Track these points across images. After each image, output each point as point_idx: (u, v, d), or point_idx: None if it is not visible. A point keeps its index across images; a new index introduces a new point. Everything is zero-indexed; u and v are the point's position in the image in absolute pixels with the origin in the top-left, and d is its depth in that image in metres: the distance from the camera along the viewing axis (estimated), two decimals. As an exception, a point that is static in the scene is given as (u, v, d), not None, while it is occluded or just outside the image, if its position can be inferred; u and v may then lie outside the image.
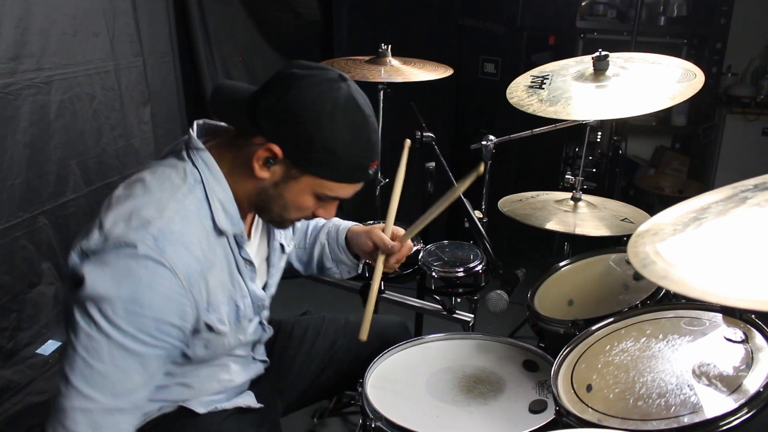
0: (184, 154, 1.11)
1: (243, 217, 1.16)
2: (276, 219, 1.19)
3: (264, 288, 1.30)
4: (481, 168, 1.28)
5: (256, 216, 1.27)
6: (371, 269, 1.77)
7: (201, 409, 1.24)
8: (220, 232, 1.10)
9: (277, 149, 1.05)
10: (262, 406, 1.34)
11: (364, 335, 1.24)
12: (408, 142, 1.41)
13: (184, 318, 1.05)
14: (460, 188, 1.29)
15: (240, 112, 1.08)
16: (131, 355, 1.01)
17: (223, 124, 1.19)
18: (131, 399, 1.04)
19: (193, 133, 1.13)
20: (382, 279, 1.35)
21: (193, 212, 1.07)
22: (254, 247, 1.27)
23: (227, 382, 1.29)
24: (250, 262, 1.19)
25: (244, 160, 1.09)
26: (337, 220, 1.50)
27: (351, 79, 1.10)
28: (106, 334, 0.98)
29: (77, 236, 1.07)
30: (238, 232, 1.14)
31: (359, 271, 1.52)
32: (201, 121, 1.18)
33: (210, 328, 1.12)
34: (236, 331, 1.20)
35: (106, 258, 1.00)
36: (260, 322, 1.30)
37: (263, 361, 1.40)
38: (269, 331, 1.36)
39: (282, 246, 1.35)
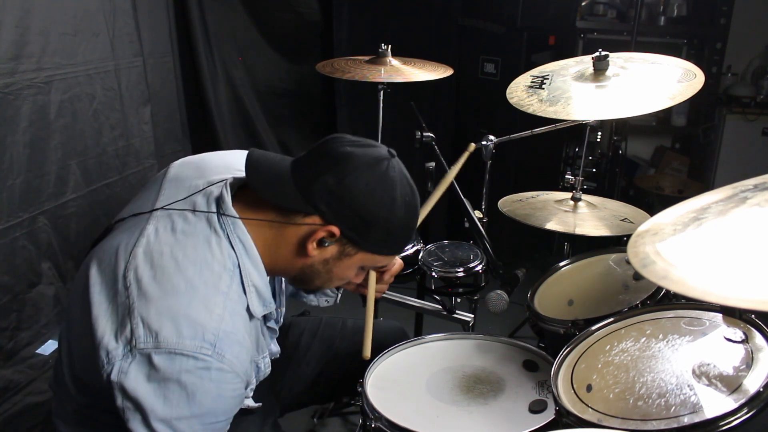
0: (216, 223, 1.05)
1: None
2: (313, 289, 1.20)
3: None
4: (472, 146, 1.29)
5: None
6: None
7: None
8: (251, 315, 1.07)
9: (336, 230, 1.04)
10: (260, 405, 1.34)
11: (367, 353, 1.25)
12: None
13: (241, 402, 1.08)
14: (453, 172, 1.30)
15: (285, 189, 1.04)
16: None
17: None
18: None
19: (227, 195, 1.07)
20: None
21: (237, 302, 1.03)
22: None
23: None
24: (273, 330, 1.20)
25: (293, 239, 1.07)
26: None
27: (395, 153, 1.09)
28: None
29: (103, 316, 0.99)
30: (268, 312, 1.12)
31: (337, 302, 1.48)
32: (231, 178, 1.12)
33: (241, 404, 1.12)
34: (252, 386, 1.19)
35: (164, 373, 0.94)
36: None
37: None
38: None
39: (284, 289, 1.34)
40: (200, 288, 0.99)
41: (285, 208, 1.06)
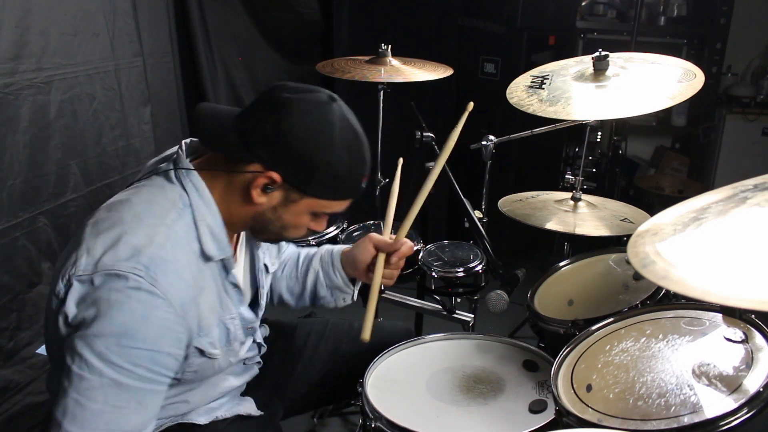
0: (173, 175, 1.09)
1: (230, 238, 1.15)
2: (273, 239, 1.19)
3: (254, 309, 1.29)
4: (470, 105, 1.30)
5: (242, 237, 1.26)
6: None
7: (202, 420, 1.23)
8: (207, 257, 1.09)
9: (277, 176, 1.05)
10: (262, 413, 1.34)
11: (366, 335, 1.24)
12: (401, 160, 1.45)
13: (179, 346, 1.04)
14: (454, 134, 1.31)
15: (229, 139, 1.06)
16: (126, 392, 0.98)
17: None
18: None
19: (182, 153, 1.12)
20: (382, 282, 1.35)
21: (183, 237, 1.05)
22: (241, 269, 1.26)
23: (224, 389, 1.28)
24: (236, 286, 1.18)
25: (239, 186, 1.08)
26: (328, 246, 1.50)
27: (339, 98, 1.10)
28: (98, 372, 0.96)
29: (62, 261, 1.04)
30: (225, 257, 1.12)
31: (354, 298, 1.48)
32: (189, 140, 1.16)
33: (201, 352, 1.11)
34: (227, 353, 1.19)
35: (96, 292, 0.97)
36: (254, 341, 1.30)
37: (256, 363, 1.39)
38: (265, 347, 1.37)
39: (266, 266, 1.35)
40: (145, 219, 1.03)
41: (230, 158, 1.09)
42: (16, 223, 1.75)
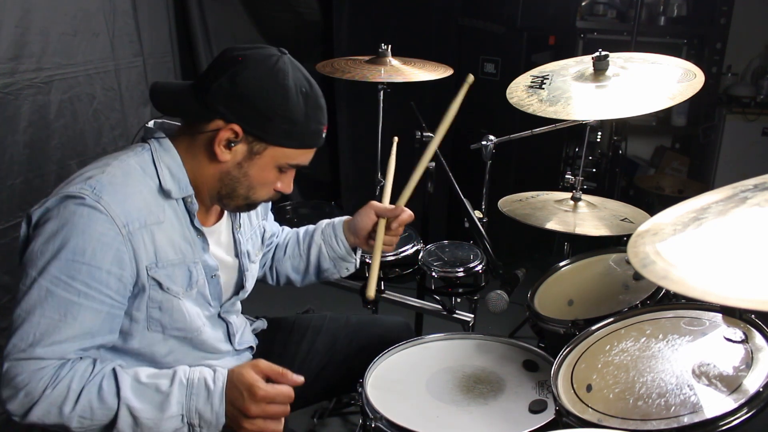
0: (144, 142, 1.16)
1: (205, 210, 1.22)
2: (242, 203, 1.20)
3: (238, 292, 1.33)
4: (471, 78, 1.34)
5: (223, 218, 1.29)
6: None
7: None
8: (166, 193, 1.12)
9: (238, 128, 1.09)
10: None
11: (371, 292, 1.29)
12: (396, 139, 1.54)
13: (121, 266, 1.05)
14: (455, 105, 1.35)
15: (187, 102, 1.11)
16: (59, 303, 1.01)
17: (177, 123, 1.22)
18: (54, 349, 1.01)
19: (152, 123, 1.19)
20: (381, 275, 1.37)
21: (137, 170, 1.10)
22: (223, 246, 1.29)
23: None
24: (201, 233, 1.20)
25: (203, 145, 1.12)
26: (328, 219, 1.53)
27: (287, 52, 1.15)
28: (36, 283, 1.01)
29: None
30: (185, 196, 1.15)
31: (357, 266, 1.52)
32: (159, 120, 1.21)
33: (160, 285, 1.12)
34: (195, 299, 1.20)
35: (47, 213, 1.04)
36: (227, 327, 1.32)
37: (249, 348, 1.41)
38: (244, 323, 1.40)
39: (248, 253, 1.36)
40: (104, 161, 1.11)
41: (191, 120, 1.14)
42: (16, 223, 1.75)
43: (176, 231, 1.15)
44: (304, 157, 1.17)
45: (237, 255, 1.33)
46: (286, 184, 1.21)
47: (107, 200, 1.03)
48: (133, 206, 1.07)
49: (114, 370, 1.05)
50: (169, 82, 1.20)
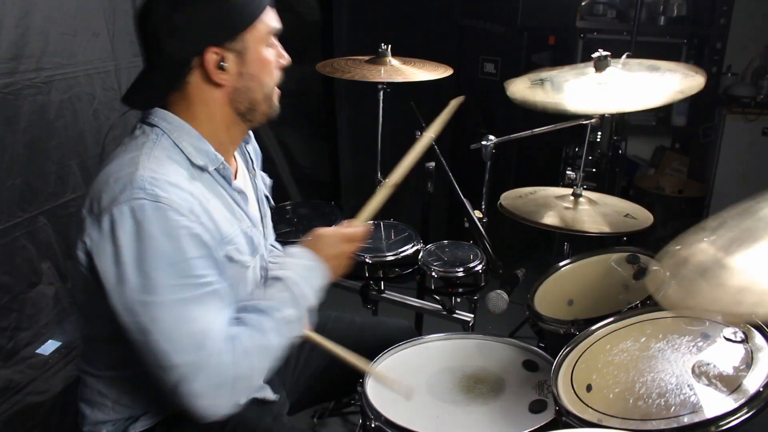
0: (138, 125, 1.13)
1: (225, 155, 1.17)
2: (265, 105, 1.18)
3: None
4: (459, 101, 1.33)
5: (239, 167, 1.28)
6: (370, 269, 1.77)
7: None
8: (200, 168, 1.11)
9: (214, 48, 1.06)
10: (278, 396, 1.34)
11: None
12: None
13: (204, 247, 1.04)
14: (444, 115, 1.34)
15: (156, 79, 1.09)
16: (191, 303, 1.01)
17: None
18: (213, 341, 1.01)
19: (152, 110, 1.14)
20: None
21: (165, 158, 1.07)
22: (251, 199, 1.29)
23: None
24: (240, 192, 1.20)
25: (199, 90, 1.10)
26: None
27: None
28: (161, 303, 0.98)
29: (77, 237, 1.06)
30: (218, 165, 1.14)
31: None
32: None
33: (231, 259, 1.13)
34: (258, 262, 1.22)
35: (109, 237, 0.99)
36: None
37: None
38: None
39: (267, 197, 1.38)
40: (124, 156, 1.06)
41: (169, 80, 1.10)
42: (16, 223, 1.75)
43: (222, 202, 1.14)
44: (271, 18, 1.15)
45: (258, 201, 1.33)
46: (282, 55, 1.19)
47: (164, 195, 1.00)
48: (186, 193, 1.04)
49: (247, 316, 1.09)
50: (130, 86, 1.18)
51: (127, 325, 1.00)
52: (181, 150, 1.09)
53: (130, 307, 0.99)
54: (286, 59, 1.20)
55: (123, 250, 0.98)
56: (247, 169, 1.33)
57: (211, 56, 1.07)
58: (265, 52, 1.14)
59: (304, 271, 1.16)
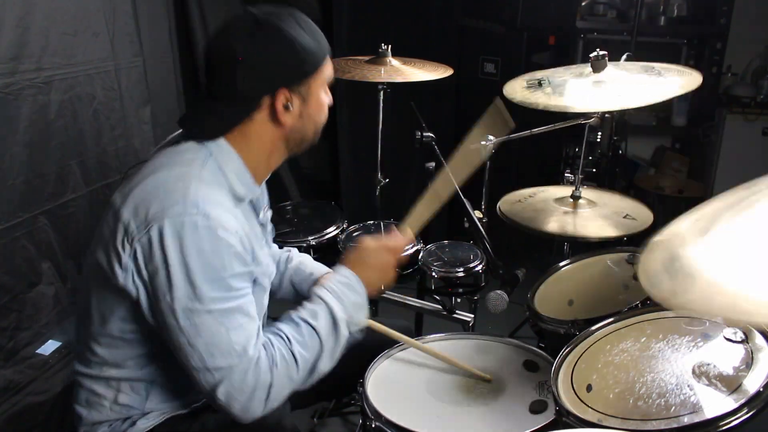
0: (183, 137, 1.18)
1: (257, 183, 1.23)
2: (310, 139, 1.25)
3: None
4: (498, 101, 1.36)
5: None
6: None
7: None
8: (239, 198, 1.16)
9: (284, 90, 1.13)
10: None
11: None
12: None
13: (245, 264, 1.11)
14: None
15: (221, 111, 1.14)
16: (234, 312, 1.07)
17: None
18: (253, 347, 1.08)
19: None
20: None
21: (212, 180, 1.11)
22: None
23: None
24: (263, 226, 1.30)
25: (262, 125, 1.15)
26: (300, 263, 1.51)
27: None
28: (207, 311, 1.04)
29: (100, 238, 1.12)
30: (253, 197, 1.21)
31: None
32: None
33: (256, 281, 1.20)
34: (269, 286, 1.30)
35: (163, 248, 1.03)
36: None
37: None
38: None
39: (271, 229, 1.44)
40: (174, 169, 1.10)
41: (234, 116, 1.15)
42: (16, 223, 1.75)
43: (252, 229, 1.21)
44: (330, 67, 1.21)
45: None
46: (330, 98, 1.25)
47: (214, 215, 1.06)
48: (229, 214, 1.10)
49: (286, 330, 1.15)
50: (188, 111, 1.23)
51: (170, 327, 1.06)
52: (224, 175, 1.14)
53: (179, 312, 1.04)
54: (331, 101, 1.26)
55: (173, 260, 1.03)
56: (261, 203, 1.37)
57: (282, 97, 1.13)
58: (322, 97, 1.21)
59: (342, 287, 1.22)
